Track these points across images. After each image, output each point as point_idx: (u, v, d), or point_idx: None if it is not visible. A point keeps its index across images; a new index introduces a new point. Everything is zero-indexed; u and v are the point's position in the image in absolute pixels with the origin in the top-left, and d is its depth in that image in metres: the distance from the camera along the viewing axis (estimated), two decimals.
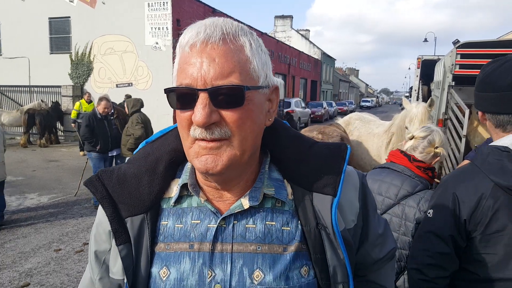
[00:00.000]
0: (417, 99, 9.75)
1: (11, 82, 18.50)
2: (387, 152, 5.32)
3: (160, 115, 15.55)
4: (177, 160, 0.98)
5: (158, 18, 16.20)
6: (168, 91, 0.83)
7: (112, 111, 8.06)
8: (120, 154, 7.62)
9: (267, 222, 0.90)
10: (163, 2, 16.03)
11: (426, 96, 9.42)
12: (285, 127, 1.01)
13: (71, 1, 17.41)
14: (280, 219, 0.92)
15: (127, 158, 1.04)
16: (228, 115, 0.81)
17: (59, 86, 17.42)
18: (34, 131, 15.69)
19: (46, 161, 12.28)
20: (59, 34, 18.01)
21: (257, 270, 0.87)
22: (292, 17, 52.28)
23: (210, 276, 0.87)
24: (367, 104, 65.66)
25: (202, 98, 0.79)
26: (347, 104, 46.25)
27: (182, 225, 0.92)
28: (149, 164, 0.96)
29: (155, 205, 0.93)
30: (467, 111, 4.64)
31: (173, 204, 0.94)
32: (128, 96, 13.22)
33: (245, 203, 0.89)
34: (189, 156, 0.86)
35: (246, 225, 0.90)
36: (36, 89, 18.13)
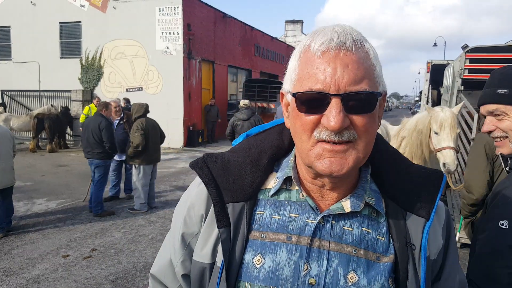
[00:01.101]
0: (427, 103, 9.71)
1: (21, 86, 18.64)
2: None
3: (170, 119, 15.56)
4: (277, 155, 1.03)
5: (169, 22, 16.26)
6: (295, 95, 0.85)
7: (122, 115, 8.01)
8: None
9: (363, 228, 0.93)
10: (174, 7, 16.09)
11: (436, 100, 9.37)
12: (384, 141, 1.05)
13: (82, 6, 17.54)
14: (375, 228, 0.94)
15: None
16: (358, 120, 0.83)
17: (69, 91, 17.51)
18: (43, 136, 15.72)
19: (55, 166, 12.29)
20: (70, 39, 18.14)
21: (352, 272, 0.90)
22: (303, 22, 52.32)
23: (305, 270, 0.89)
24: None
25: (336, 103, 0.81)
26: None
27: (279, 217, 0.94)
28: (253, 156, 1.01)
29: (254, 195, 0.97)
30: (475, 115, 4.52)
31: (270, 196, 0.97)
32: (127, 100, 13.25)
33: (347, 206, 0.92)
34: (308, 157, 0.87)
35: (344, 227, 0.92)
36: (45, 93, 18.25)
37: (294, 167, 0.98)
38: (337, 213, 0.92)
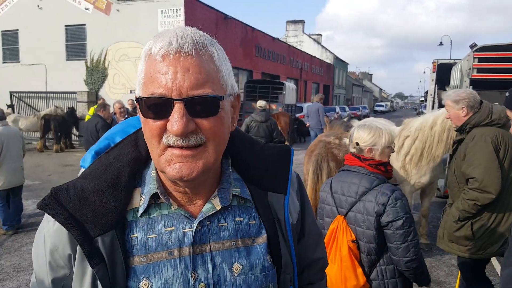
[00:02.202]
0: (433, 104, 9.59)
1: (28, 88, 18.87)
2: (398, 157, 5.19)
3: None
4: (137, 169, 0.97)
5: (171, 24, 16.34)
6: (139, 100, 0.84)
7: (126, 116, 8.22)
8: None
9: (236, 219, 0.97)
10: (176, 9, 16.22)
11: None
12: (238, 130, 1.07)
13: (87, 9, 17.71)
14: (246, 215, 0.99)
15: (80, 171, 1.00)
16: (203, 123, 0.84)
17: (74, 92, 17.67)
18: (50, 136, 15.93)
19: (62, 165, 12.44)
20: (75, 41, 18.33)
21: (236, 263, 0.94)
22: (304, 22, 52.00)
23: (193, 278, 0.90)
24: (381, 108, 65.03)
25: (179, 108, 0.80)
26: (360, 108, 45.66)
27: (155, 235, 0.91)
28: (110, 178, 0.92)
29: (122, 219, 0.91)
30: None
31: (140, 215, 0.92)
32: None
33: (217, 204, 0.94)
34: (159, 163, 0.87)
35: (219, 224, 0.95)
36: (52, 95, 18.45)
37: (158, 180, 0.94)
38: (210, 213, 0.93)
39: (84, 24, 17.96)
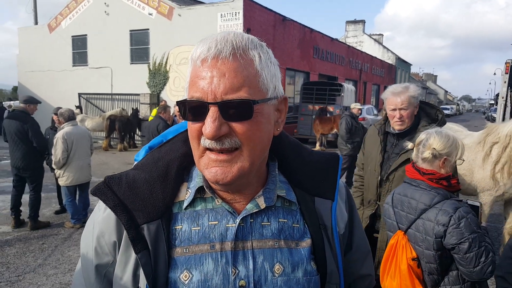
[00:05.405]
0: (505, 107, 9.07)
1: (95, 90, 19.99)
2: (485, 165, 4.80)
3: None
4: (186, 164, 0.99)
5: (230, 28, 16.54)
6: (179, 103, 0.87)
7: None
8: None
9: (280, 220, 0.96)
10: (235, 12, 16.43)
11: None
12: (286, 134, 1.07)
13: (150, 14, 18.44)
14: (290, 217, 0.98)
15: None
16: (237, 127, 0.83)
17: (137, 94, 18.47)
18: (114, 136, 16.78)
19: (125, 164, 13.03)
20: (139, 45, 19.11)
21: (277, 263, 0.92)
22: (365, 22, 50.94)
23: (234, 274, 0.89)
24: (447, 111, 62.07)
25: (212, 111, 0.81)
26: None
27: (199, 228, 0.92)
28: (160, 170, 0.96)
29: (168, 210, 0.93)
30: None
31: (185, 208, 0.94)
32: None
33: (261, 203, 0.94)
34: (199, 165, 0.90)
35: (262, 223, 0.94)
36: (117, 96, 19.41)
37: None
38: (253, 211, 0.93)
39: (148, 29, 18.66)
